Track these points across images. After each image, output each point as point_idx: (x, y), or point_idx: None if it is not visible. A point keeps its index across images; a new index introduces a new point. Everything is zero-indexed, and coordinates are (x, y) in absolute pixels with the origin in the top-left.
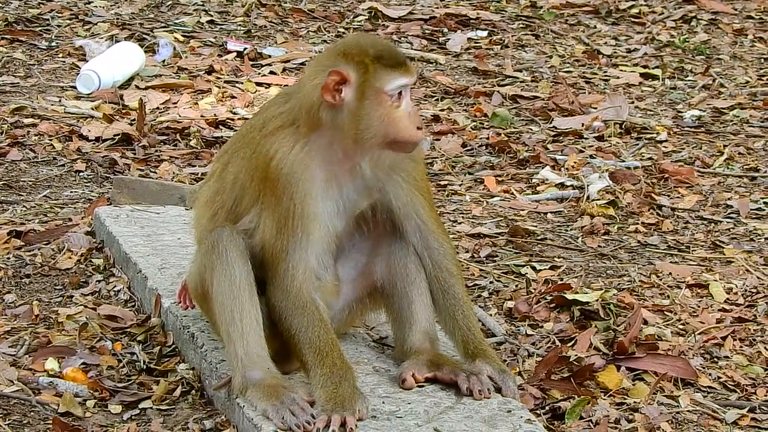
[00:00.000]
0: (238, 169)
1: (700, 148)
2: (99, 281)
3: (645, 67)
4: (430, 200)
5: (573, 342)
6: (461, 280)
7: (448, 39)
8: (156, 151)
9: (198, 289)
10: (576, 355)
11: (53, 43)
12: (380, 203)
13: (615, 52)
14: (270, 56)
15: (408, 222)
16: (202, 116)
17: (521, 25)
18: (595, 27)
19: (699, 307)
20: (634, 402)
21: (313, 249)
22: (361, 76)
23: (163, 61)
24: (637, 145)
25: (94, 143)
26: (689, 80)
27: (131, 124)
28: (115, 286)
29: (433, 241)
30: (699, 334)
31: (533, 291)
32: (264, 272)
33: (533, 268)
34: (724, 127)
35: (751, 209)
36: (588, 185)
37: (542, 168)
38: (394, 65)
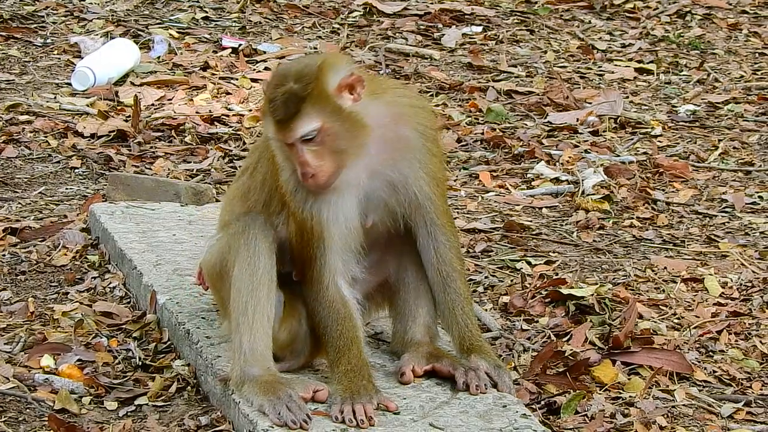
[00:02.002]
0: (266, 170)
1: (695, 143)
2: (94, 278)
3: (639, 62)
4: (445, 194)
5: (568, 337)
6: (463, 276)
7: (443, 34)
8: (151, 147)
9: (216, 268)
10: (571, 349)
11: (48, 40)
12: (402, 194)
13: (610, 47)
14: (265, 52)
15: (419, 212)
16: (197, 112)
17: (516, 21)
18: (589, 22)
19: (694, 301)
20: (630, 396)
21: (337, 252)
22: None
23: (158, 57)
24: (632, 139)
25: (89, 140)
26: (684, 75)
27: (126, 121)
28: (110, 283)
29: (440, 234)
30: (694, 328)
31: (528, 286)
32: (292, 264)
33: (528, 263)
34: (718, 121)
35: (746, 203)
36: (583, 180)
37: (537, 163)
38: (274, 120)
